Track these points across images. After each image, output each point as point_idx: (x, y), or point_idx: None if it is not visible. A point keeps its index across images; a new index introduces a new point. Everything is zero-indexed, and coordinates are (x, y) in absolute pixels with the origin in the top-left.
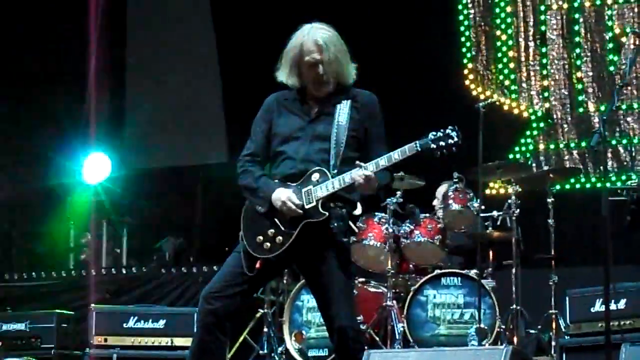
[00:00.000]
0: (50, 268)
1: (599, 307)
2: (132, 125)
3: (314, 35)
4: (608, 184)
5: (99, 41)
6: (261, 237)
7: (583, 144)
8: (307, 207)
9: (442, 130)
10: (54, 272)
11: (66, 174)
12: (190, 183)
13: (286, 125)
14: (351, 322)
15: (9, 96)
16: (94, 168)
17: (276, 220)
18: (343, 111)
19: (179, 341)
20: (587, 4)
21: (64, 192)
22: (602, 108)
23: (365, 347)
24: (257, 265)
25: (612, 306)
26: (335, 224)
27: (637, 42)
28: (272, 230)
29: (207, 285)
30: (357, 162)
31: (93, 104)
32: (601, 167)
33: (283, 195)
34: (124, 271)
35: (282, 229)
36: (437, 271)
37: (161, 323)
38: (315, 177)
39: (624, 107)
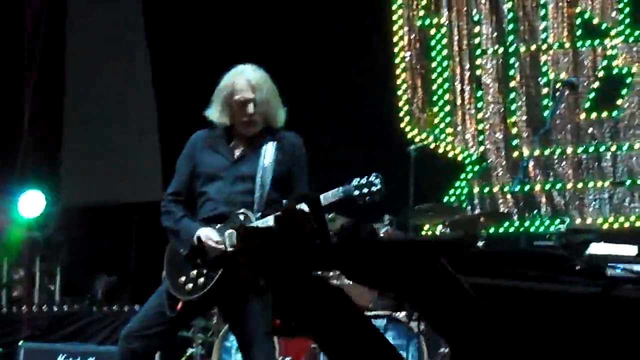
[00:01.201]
0: None
1: None
2: (68, 161)
3: (247, 75)
4: (541, 228)
5: (34, 77)
6: (183, 278)
7: (506, 188)
8: (229, 249)
9: (366, 177)
10: None
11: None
12: (125, 221)
13: (210, 164)
14: None
15: None
16: (29, 204)
17: (198, 261)
18: (268, 153)
19: None
20: (522, 49)
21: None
22: (537, 152)
23: None
24: (179, 306)
25: None
26: None
27: (562, 92)
28: (195, 272)
29: (127, 325)
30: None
31: (28, 139)
32: (533, 212)
33: (203, 235)
34: (55, 308)
35: (204, 270)
36: (366, 313)
37: None
38: (239, 219)
39: (558, 151)
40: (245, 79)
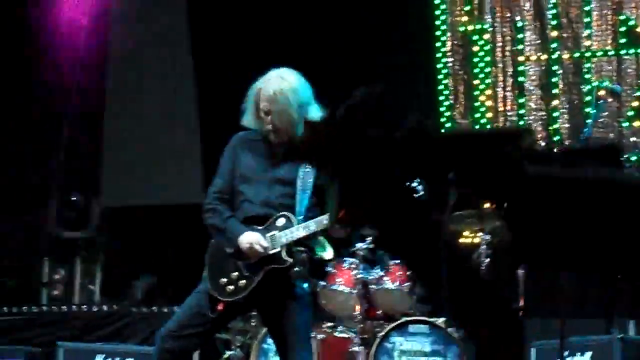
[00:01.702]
0: (21, 303)
1: None
2: (109, 162)
3: (272, 85)
4: None
5: (76, 77)
6: (225, 279)
7: None
8: (271, 252)
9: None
10: (25, 307)
11: (42, 210)
12: (165, 221)
13: (248, 166)
14: None
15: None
16: (70, 204)
17: (240, 263)
18: None
19: None
20: (566, 56)
21: (40, 228)
22: None
23: None
24: (219, 307)
25: (577, 359)
26: (297, 269)
27: (605, 99)
28: (236, 274)
29: (165, 325)
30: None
31: (70, 142)
32: None
33: (251, 238)
34: (95, 308)
35: (246, 272)
36: (405, 318)
37: None
38: (281, 222)
39: None
40: (269, 88)
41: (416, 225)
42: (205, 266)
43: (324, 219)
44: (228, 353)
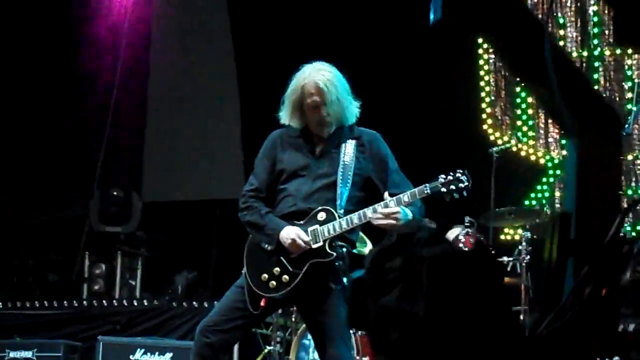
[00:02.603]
0: (62, 297)
1: None
2: (150, 157)
3: (314, 78)
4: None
5: (119, 72)
6: (266, 275)
7: None
8: (313, 246)
9: (451, 173)
10: (66, 302)
11: (83, 205)
12: (206, 217)
13: (290, 161)
14: None
15: (29, 128)
16: (112, 199)
17: (282, 258)
18: (348, 150)
19: None
20: (607, 52)
21: (81, 222)
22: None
23: None
24: (262, 303)
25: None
26: (338, 264)
27: None
28: (278, 269)
29: (204, 318)
30: (386, 195)
31: (112, 136)
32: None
33: (292, 232)
34: (135, 303)
35: (289, 268)
36: None
37: (168, 356)
38: (322, 216)
39: None
40: (313, 81)
41: None
42: (244, 262)
43: (366, 212)
44: (268, 348)
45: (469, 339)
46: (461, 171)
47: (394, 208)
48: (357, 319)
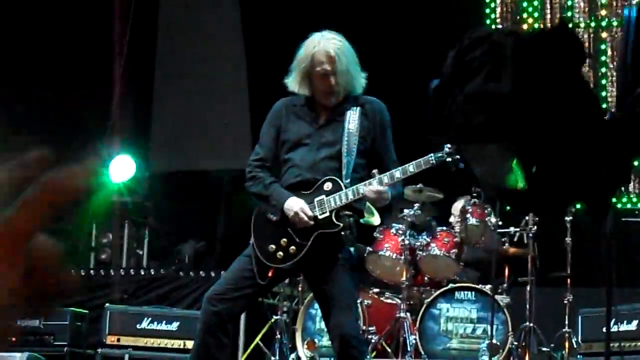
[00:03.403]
0: (70, 266)
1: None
2: (158, 127)
3: (325, 46)
4: (628, 205)
5: (127, 44)
6: (273, 246)
7: None
8: (320, 217)
9: None
10: (74, 271)
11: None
12: (214, 187)
13: (294, 131)
14: (355, 331)
15: (34, 96)
16: (119, 169)
17: (289, 229)
18: (353, 119)
19: (192, 344)
20: (615, 23)
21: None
22: None
23: (368, 356)
24: (270, 274)
25: (624, 327)
26: (345, 233)
27: None
28: (285, 240)
29: (211, 287)
30: (373, 171)
31: (120, 105)
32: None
33: (296, 205)
34: (142, 272)
35: (296, 239)
36: (451, 285)
37: (175, 325)
38: (328, 186)
39: None
40: (324, 49)
41: None
42: (251, 232)
43: (372, 182)
44: (275, 318)
45: (552, 116)
46: None
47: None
48: (439, 124)
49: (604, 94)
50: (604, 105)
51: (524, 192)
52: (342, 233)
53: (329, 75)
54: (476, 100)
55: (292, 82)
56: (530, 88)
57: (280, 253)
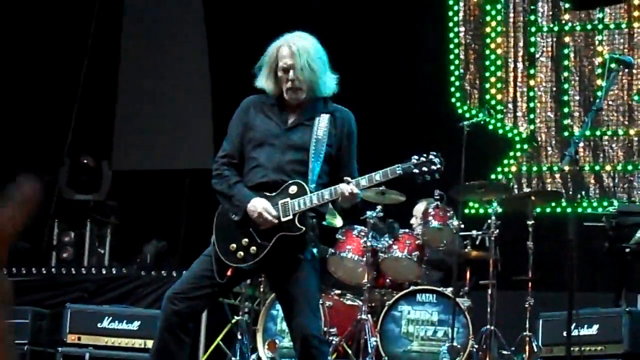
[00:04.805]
0: (31, 265)
1: None
2: (120, 126)
3: (290, 42)
4: (588, 209)
5: (90, 42)
6: (234, 246)
7: (555, 168)
8: (283, 219)
9: (424, 155)
10: (35, 269)
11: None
12: (176, 187)
13: (261, 130)
14: (317, 332)
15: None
16: (81, 167)
17: (250, 230)
18: (322, 125)
19: (152, 343)
20: (578, 27)
21: (50, 189)
22: (587, 133)
23: (329, 357)
24: (229, 272)
25: (584, 331)
26: (307, 235)
27: (617, 71)
28: (246, 240)
29: (172, 286)
30: (346, 178)
31: (83, 105)
32: (582, 192)
33: (259, 206)
34: (104, 271)
35: (257, 239)
36: (413, 287)
37: (135, 324)
38: (293, 190)
39: (609, 133)
40: (287, 44)
41: None
42: (213, 231)
43: (337, 188)
44: (236, 318)
45: None
46: (434, 153)
47: (356, 189)
48: None
49: (565, 98)
50: (566, 110)
51: None
52: (306, 234)
53: (290, 69)
54: None
55: (262, 78)
56: None
57: (241, 253)
